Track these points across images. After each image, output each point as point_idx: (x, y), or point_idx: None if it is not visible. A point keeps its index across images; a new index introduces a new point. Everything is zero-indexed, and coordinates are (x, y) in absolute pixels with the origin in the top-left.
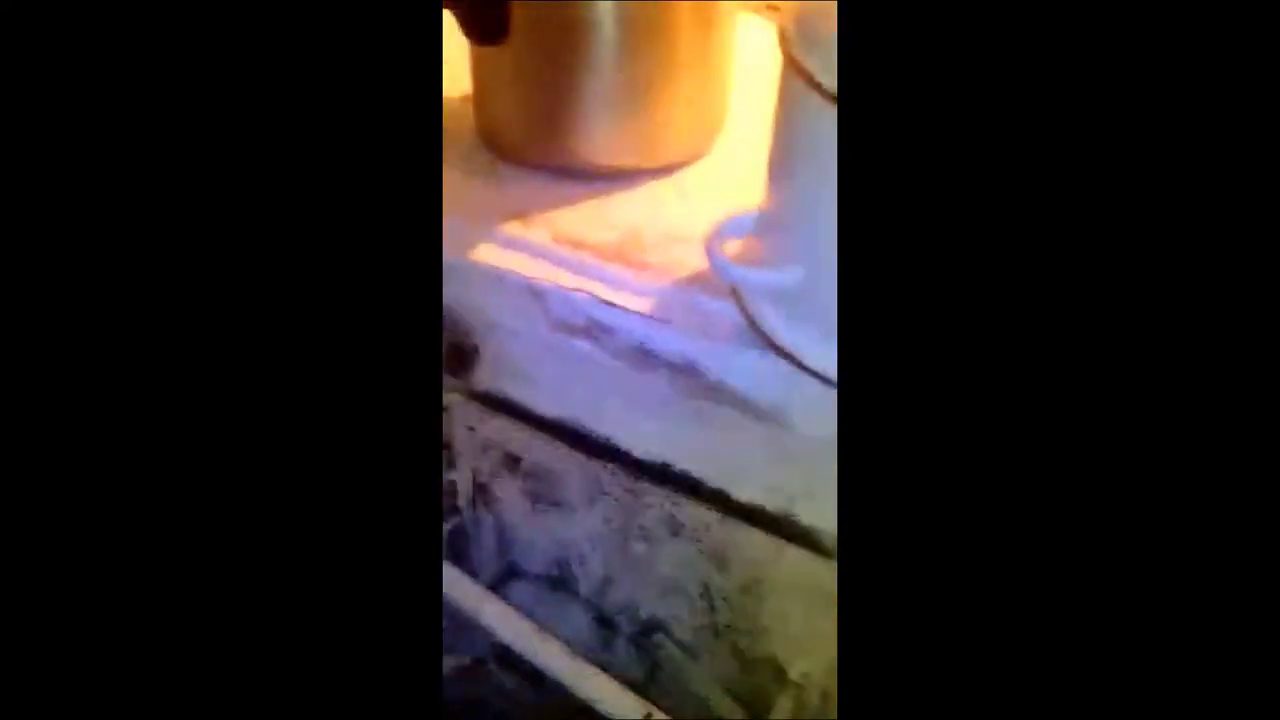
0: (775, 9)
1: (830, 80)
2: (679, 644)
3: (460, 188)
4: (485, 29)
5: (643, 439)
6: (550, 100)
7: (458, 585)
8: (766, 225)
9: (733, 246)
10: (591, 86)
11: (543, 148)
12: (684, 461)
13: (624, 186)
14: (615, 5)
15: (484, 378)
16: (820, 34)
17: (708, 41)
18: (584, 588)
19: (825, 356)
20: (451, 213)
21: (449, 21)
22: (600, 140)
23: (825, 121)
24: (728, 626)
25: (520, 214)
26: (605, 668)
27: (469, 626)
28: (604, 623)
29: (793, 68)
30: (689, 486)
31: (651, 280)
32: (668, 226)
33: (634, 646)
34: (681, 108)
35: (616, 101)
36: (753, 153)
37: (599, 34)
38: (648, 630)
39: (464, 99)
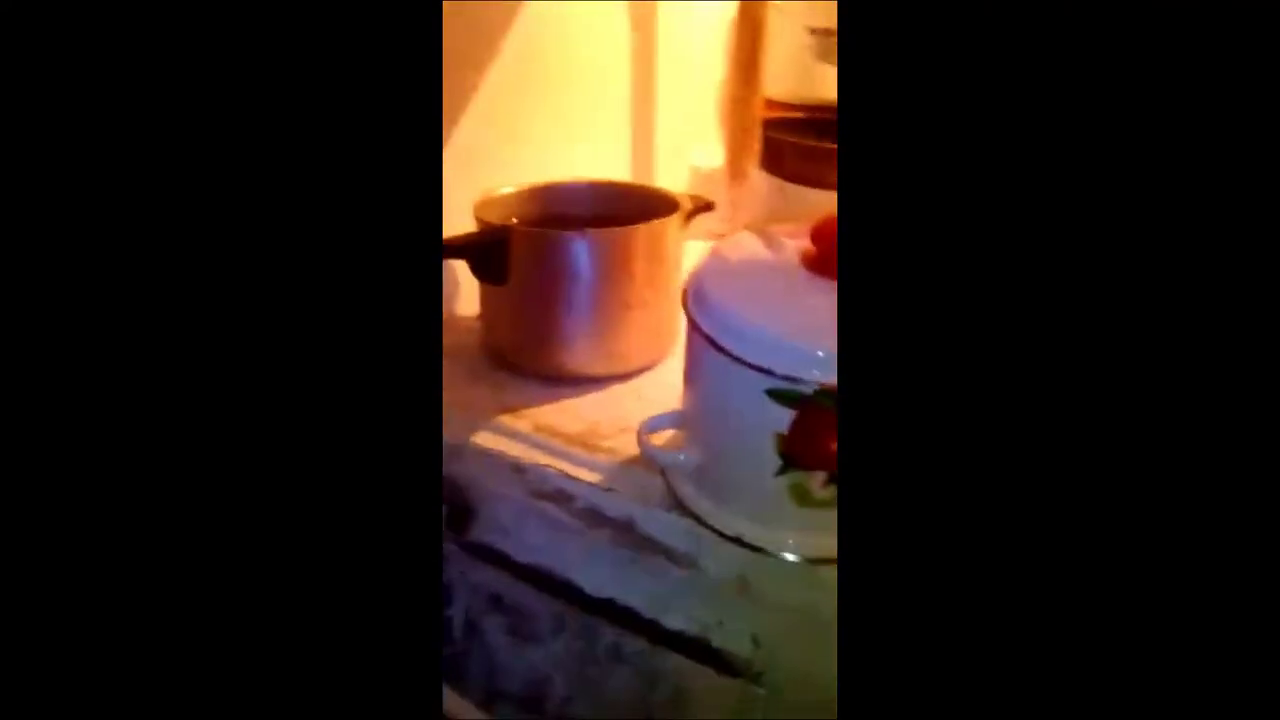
0: (719, 236)
1: (714, 331)
2: None
3: (466, 389)
4: (491, 274)
5: (594, 581)
6: (537, 325)
7: (454, 704)
8: (682, 422)
9: (662, 437)
10: (569, 315)
11: (531, 360)
12: (626, 597)
13: (592, 389)
14: (589, 257)
15: (476, 533)
16: (707, 295)
17: (660, 275)
18: (550, 708)
19: (721, 518)
20: (458, 407)
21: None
22: (575, 355)
23: (711, 356)
24: None
25: (510, 409)
26: None
27: None
28: None
29: (689, 320)
30: (629, 619)
31: (604, 460)
32: (622, 420)
33: None
34: (639, 329)
35: (588, 326)
36: None
37: (574, 277)
38: None
39: (474, 321)
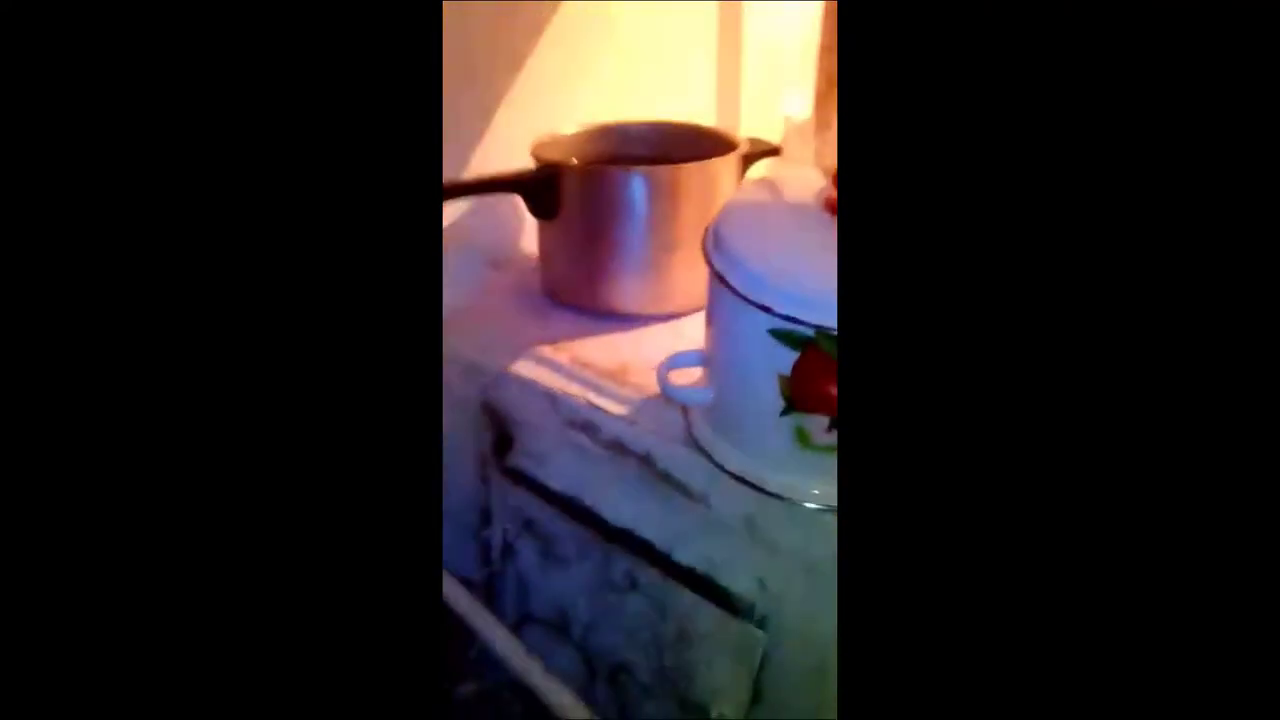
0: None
1: (724, 269)
2: (639, 685)
3: (519, 320)
4: (542, 209)
5: (616, 510)
6: (583, 260)
7: (487, 624)
8: (703, 360)
9: (689, 375)
10: (613, 252)
11: (577, 294)
12: (643, 529)
13: (635, 326)
14: (635, 195)
15: (514, 458)
16: (722, 234)
17: (709, 215)
18: (575, 633)
19: (730, 457)
20: (507, 337)
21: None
22: (618, 291)
23: (722, 294)
24: (670, 669)
25: (552, 342)
26: (591, 703)
27: (494, 661)
28: (588, 663)
29: (705, 257)
30: (645, 550)
31: (631, 394)
32: (657, 358)
33: (608, 685)
34: (683, 270)
35: (631, 264)
36: None
37: (619, 214)
38: (617, 672)
39: (534, 258)
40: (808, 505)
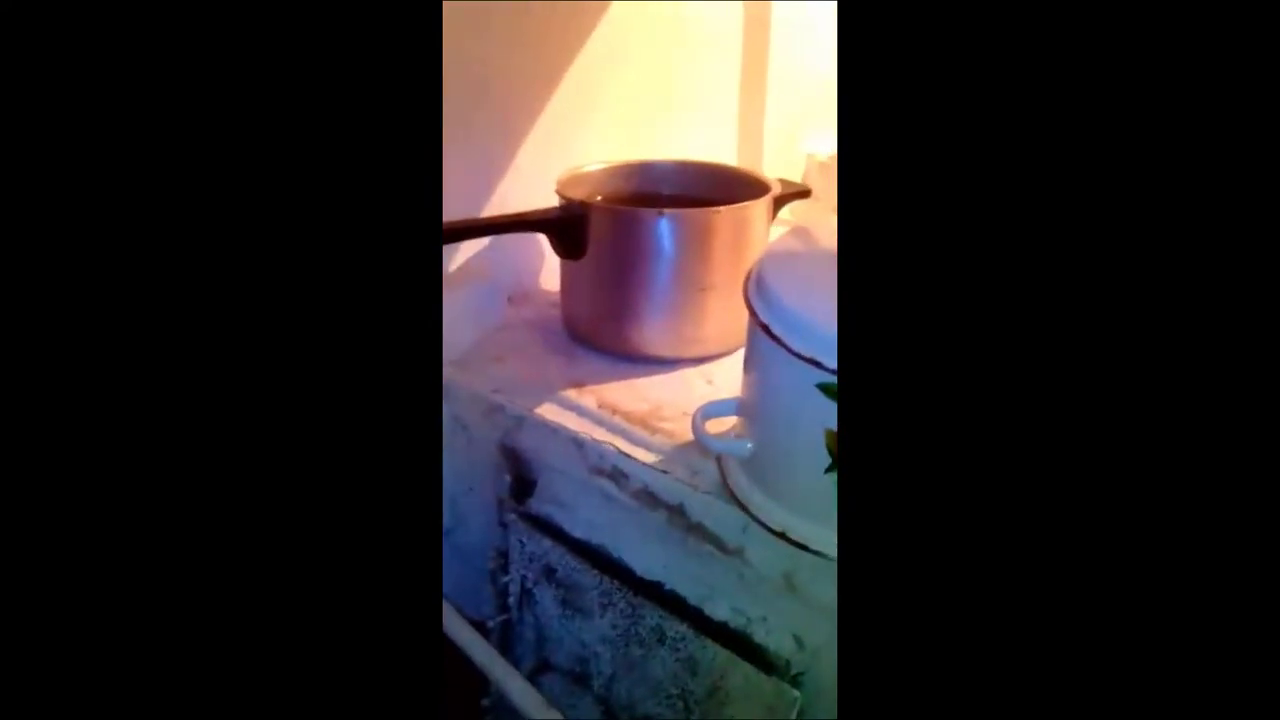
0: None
1: (769, 320)
2: None
3: (542, 361)
4: (568, 249)
5: (644, 561)
6: (611, 301)
7: (503, 671)
8: (739, 409)
9: (723, 423)
10: (641, 294)
11: (603, 336)
12: (673, 582)
13: (663, 370)
14: (665, 237)
15: (535, 504)
16: (765, 282)
17: (741, 260)
18: (596, 684)
19: (768, 511)
20: (529, 378)
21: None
22: (646, 334)
23: (766, 345)
24: None
25: (578, 383)
26: None
27: (509, 709)
28: (610, 716)
29: (748, 306)
30: (675, 603)
31: (661, 441)
32: (686, 404)
33: None
34: (714, 313)
35: (660, 306)
36: None
37: (648, 256)
38: None
39: (557, 295)
40: None
